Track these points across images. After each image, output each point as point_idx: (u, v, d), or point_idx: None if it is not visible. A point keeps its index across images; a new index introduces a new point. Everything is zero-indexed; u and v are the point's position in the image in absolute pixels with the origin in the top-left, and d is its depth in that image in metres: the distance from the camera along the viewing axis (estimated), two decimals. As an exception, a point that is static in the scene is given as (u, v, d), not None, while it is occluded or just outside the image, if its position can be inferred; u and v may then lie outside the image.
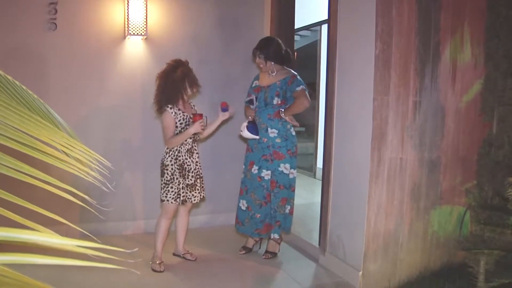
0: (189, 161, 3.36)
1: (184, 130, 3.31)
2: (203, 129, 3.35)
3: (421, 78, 3.08)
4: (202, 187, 3.49)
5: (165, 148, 3.37)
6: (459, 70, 3.20)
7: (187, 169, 3.35)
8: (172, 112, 3.27)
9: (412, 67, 3.04)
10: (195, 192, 3.41)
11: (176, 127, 3.30)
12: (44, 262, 0.56)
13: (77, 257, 0.57)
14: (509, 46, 3.18)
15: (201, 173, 3.48)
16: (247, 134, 3.60)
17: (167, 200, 3.32)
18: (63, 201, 0.71)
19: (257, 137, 3.60)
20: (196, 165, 3.42)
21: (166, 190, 3.32)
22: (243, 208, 3.72)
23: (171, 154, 3.33)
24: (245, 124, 3.62)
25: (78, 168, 0.71)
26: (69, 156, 0.73)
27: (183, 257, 3.58)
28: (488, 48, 3.22)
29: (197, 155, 3.44)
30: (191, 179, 3.37)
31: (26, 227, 0.60)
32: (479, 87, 3.25)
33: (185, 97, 3.34)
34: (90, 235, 0.73)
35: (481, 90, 3.25)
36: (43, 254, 0.56)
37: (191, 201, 3.41)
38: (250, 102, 3.62)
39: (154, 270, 3.35)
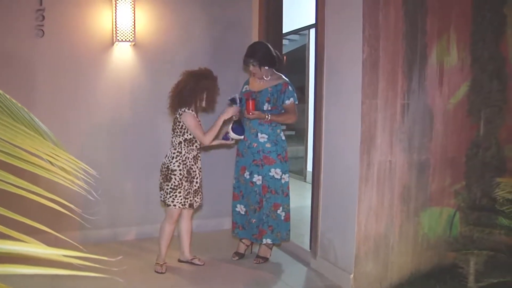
0: (194, 167, 3.41)
1: (194, 137, 3.37)
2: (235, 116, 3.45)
3: (408, 81, 3.10)
4: (201, 192, 3.52)
5: (172, 152, 3.37)
6: (446, 73, 3.23)
7: (193, 175, 3.39)
8: (193, 114, 3.33)
9: (399, 70, 3.07)
10: (197, 198, 3.46)
11: (190, 133, 3.35)
12: (30, 272, 0.56)
13: (64, 266, 0.57)
14: (494, 49, 3.22)
15: (201, 179, 3.51)
16: (233, 135, 3.55)
17: (174, 205, 3.33)
18: (55, 209, 0.71)
19: (242, 137, 3.56)
20: (200, 171, 3.47)
21: (173, 195, 3.32)
22: (242, 212, 3.71)
23: (179, 159, 3.34)
24: (230, 125, 3.59)
25: (63, 177, 0.71)
26: (54, 165, 0.72)
27: (191, 263, 3.58)
28: (474, 51, 3.26)
29: (200, 162, 3.49)
30: (195, 185, 3.41)
31: (11, 237, 0.59)
32: (466, 89, 3.28)
33: (198, 107, 3.41)
34: (75, 243, 0.73)
35: (468, 92, 3.28)
36: (30, 263, 0.56)
37: (194, 206, 3.45)
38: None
39: (156, 272, 3.39)
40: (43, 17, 3.75)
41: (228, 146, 4.19)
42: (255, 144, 3.57)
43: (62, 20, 3.84)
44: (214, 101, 3.44)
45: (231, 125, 3.58)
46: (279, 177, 3.57)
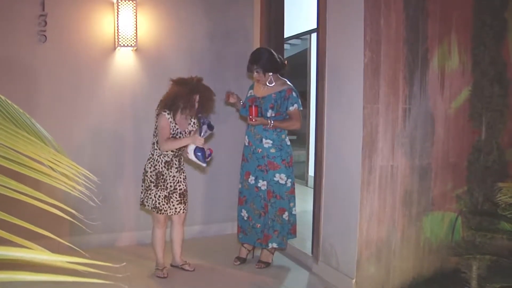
0: (165, 173, 3.34)
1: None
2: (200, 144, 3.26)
3: (410, 86, 3.10)
4: (182, 202, 3.41)
5: (149, 154, 3.39)
6: (447, 77, 3.23)
7: (162, 179, 3.33)
8: (168, 118, 3.29)
9: (401, 75, 3.07)
10: (170, 205, 3.36)
11: None
12: (33, 279, 0.56)
13: (67, 272, 0.57)
14: (495, 53, 3.22)
15: (181, 188, 3.41)
16: (191, 155, 3.28)
17: (147, 206, 3.36)
18: (54, 215, 0.71)
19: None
20: (174, 179, 3.38)
21: (146, 195, 3.36)
22: (245, 218, 3.70)
23: (151, 161, 3.36)
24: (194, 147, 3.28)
25: (65, 182, 0.71)
26: (55, 171, 0.73)
27: (181, 268, 3.56)
28: (475, 55, 3.26)
29: (176, 169, 3.38)
30: (165, 191, 3.34)
31: (14, 243, 0.60)
32: (467, 94, 3.28)
33: (179, 114, 3.33)
34: (78, 249, 0.73)
35: (469, 96, 3.28)
36: (33, 268, 0.56)
37: (167, 213, 3.37)
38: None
39: (158, 277, 3.39)
40: (46, 22, 3.77)
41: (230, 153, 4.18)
42: (260, 150, 3.57)
43: (64, 26, 3.86)
44: (190, 109, 3.31)
45: (194, 147, 3.27)
46: (283, 182, 3.56)
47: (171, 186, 3.36)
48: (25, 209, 0.92)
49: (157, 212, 3.35)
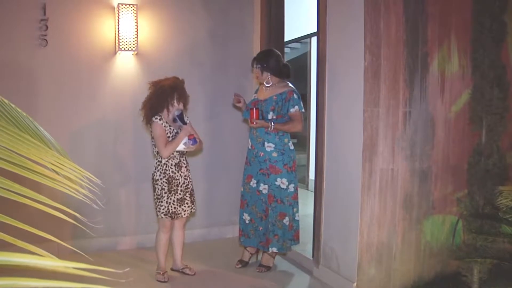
0: (177, 175, 3.35)
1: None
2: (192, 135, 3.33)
3: (410, 89, 3.11)
4: (193, 201, 3.46)
5: (155, 162, 3.37)
6: (447, 80, 3.24)
7: (175, 183, 3.33)
8: (162, 124, 3.29)
9: (401, 78, 3.08)
10: (185, 207, 3.38)
11: None
12: (37, 285, 0.56)
13: (69, 277, 0.57)
14: (494, 56, 3.22)
15: (190, 188, 3.45)
16: (188, 144, 3.35)
17: (159, 215, 3.32)
18: (55, 218, 0.71)
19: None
20: (185, 179, 3.40)
21: (158, 205, 3.32)
22: (247, 221, 3.70)
23: (160, 168, 3.33)
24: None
25: (68, 186, 0.72)
26: (58, 174, 0.73)
27: (182, 272, 3.55)
28: (474, 58, 3.27)
29: (185, 169, 3.42)
30: (179, 194, 3.35)
31: (15, 246, 0.59)
32: (467, 97, 3.29)
33: (171, 108, 3.32)
34: (81, 252, 0.73)
35: (469, 99, 3.29)
36: (34, 273, 0.56)
37: (181, 216, 3.38)
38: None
39: (158, 281, 3.38)
40: (47, 27, 3.78)
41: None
42: (262, 153, 3.56)
43: (65, 30, 3.87)
44: (185, 98, 3.36)
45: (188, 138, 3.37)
46: (285, 186, 3.55)
47: (182, 187, 3.37)
48: (26, 212, 0.92)
49: (173, 218, 3.34)
